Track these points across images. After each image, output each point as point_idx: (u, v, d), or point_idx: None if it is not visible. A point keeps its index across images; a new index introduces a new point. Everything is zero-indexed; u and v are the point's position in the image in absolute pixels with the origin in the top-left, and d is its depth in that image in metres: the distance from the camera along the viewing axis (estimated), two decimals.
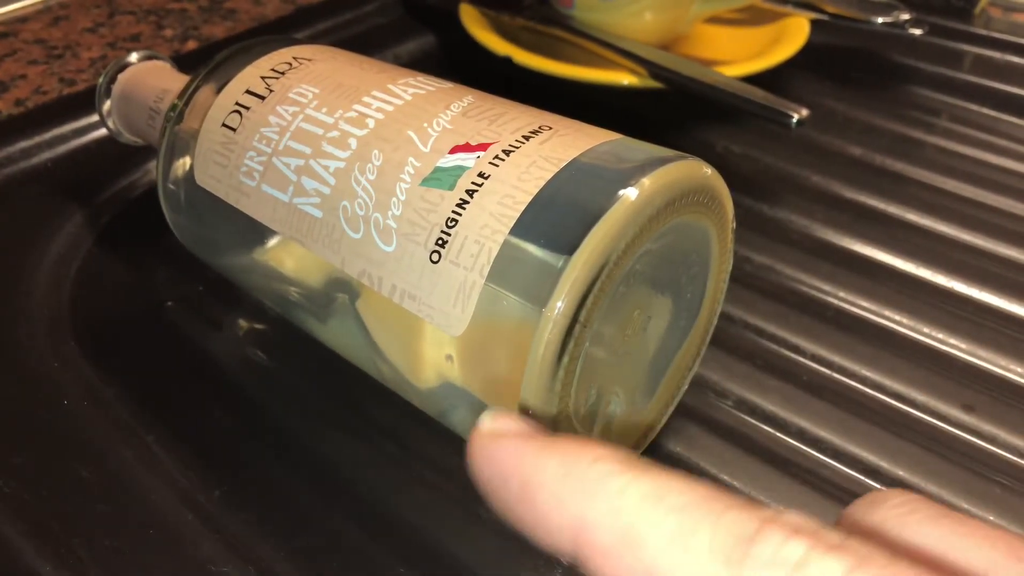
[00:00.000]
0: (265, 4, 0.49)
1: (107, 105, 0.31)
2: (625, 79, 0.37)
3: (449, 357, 0.19)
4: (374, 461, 0.24)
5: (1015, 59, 0.45)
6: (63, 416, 0.25)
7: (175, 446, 0.24)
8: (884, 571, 0.11)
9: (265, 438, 0.24)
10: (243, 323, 0.29)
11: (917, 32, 0.42)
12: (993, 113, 0.42)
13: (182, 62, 0.31)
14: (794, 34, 0.41)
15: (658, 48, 0.39)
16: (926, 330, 0.28)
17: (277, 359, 0.27)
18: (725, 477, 0.23)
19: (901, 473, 0.23)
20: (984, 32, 0.47)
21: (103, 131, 0.32)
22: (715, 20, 0.45)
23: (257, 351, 0.28)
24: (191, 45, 0.45)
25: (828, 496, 0.23)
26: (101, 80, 0.30)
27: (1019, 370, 0.27)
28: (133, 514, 0.22)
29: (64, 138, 0.35)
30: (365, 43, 0.45)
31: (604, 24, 0.40)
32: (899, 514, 0.13)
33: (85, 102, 0.34)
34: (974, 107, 0.42)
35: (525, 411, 0.18)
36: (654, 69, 0.37)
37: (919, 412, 0.25)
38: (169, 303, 0.29)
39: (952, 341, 0.28)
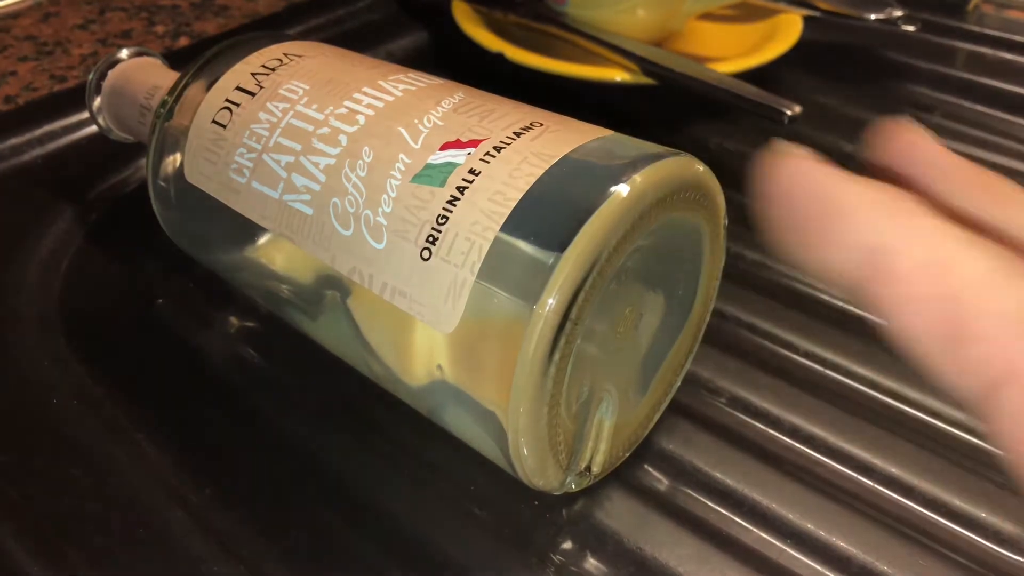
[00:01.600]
0: (257, 0, 0.49)
1: (97, 102, 0.31)
2: (618, 76, 0.37)
3: (440, 367, 0.19)
4: (365, 459, 0.24)
5: (1008, 55, 0.45)
6: (52, 414, 0.24)
7: (165, 444, 0.24)
8: None
9: (256, 436, 0.24)
10: (234, 320, 0.28)
11: (910, 29, 0.42)
12: (986, 109, 0.42)
13: (174, 59, 0.31)
14: (787, 31, 0.41)
15: (651, 45, 0.39)
16: None
17: (268, 357, 0.27)
18: (718, 474, 0.23)
19: (894, 470, 0.23)
20: (977, 29, 0.47)
21: (94, 128, 0.32)
22: (708, 16, 0.45)
23: (248, 348, 0.27)
24: (183, 42, 0.44)
25: (821, 493, 0.23)
26: (91, 77, 0.30)
27: None
28: (123, 512, 0.22)
29: (54, 135, 0.35)
30: (357, 39, 0.44)
31: (597, 20, 0.40)
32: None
33: (76, 99, 0.33)
34: (967, 103, 0.42)
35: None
36: (647, 65, 0.36)
37: (913, 409, 0.25)
38: (160, 300, 0.29)
39: None
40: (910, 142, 0.15)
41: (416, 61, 0.44)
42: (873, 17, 0.43)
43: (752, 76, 0.36)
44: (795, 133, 0.39)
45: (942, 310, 0.11)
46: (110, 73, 0.30)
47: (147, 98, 0.29)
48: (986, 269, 0.11)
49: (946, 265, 0.11)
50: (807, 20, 0.43)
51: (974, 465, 0.24)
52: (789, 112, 0.33)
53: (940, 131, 0.40)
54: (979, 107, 0.42)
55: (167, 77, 0.29)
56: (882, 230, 0.12)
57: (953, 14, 0.48)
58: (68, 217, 0.32)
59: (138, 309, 0.29)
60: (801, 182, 0.13)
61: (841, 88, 0.43)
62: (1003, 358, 0.11)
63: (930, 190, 0.14)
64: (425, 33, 0.47)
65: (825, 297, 0.30)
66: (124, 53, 0.30)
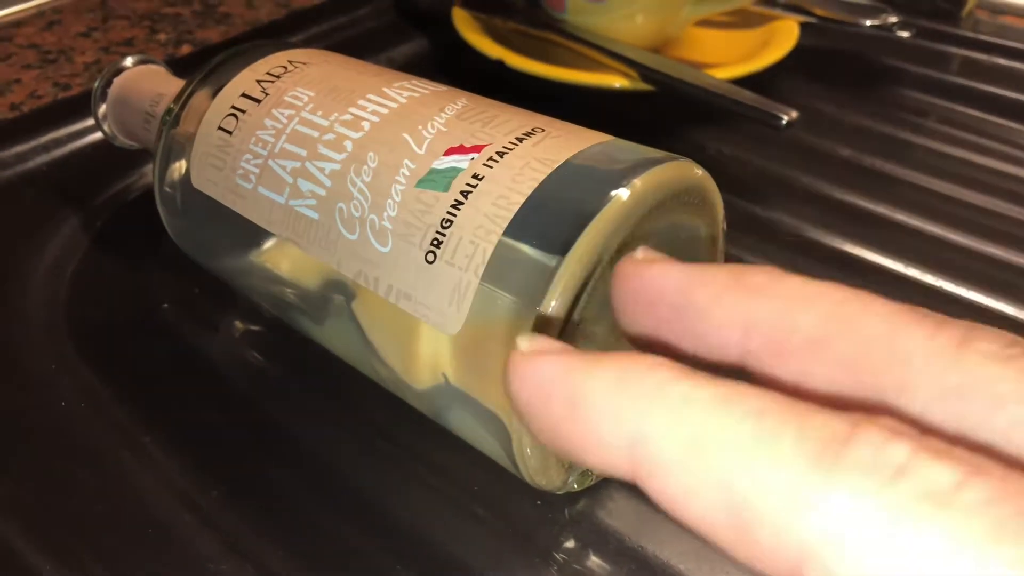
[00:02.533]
0: (259, 8, 0.49)
1: (103, 109, 0.31)
2: (616, 82, 0.38)
3: (444, 375, 0.19)
4: (371, 460, 0.24)
5: (1002, 61, 0.45)
6: (60, 417, 0.25)
7: (172, 446, 0.24)
8: (1003, 484, 0.09)
9: (262, 438, 0.25)
10: (239, 325, 0.29)
11: (905, 35, 0.43)
12: (980, 115, 0.42)
13: (176, 66, 0.31)
14: (784, 37, 0.41)
15: (649, 51, 0.39)
16: None
17: (273, 360, 0.27)
18: None
19: None
20: (971, 35, 0.47)
21: (99, 135, 0.33)
22: (706, 23, 0.45)
23: (253, 352, 0.28)
24: (185, 49, 0.45)
25: None
26: (97, 84, 0.31)
27: None
28: (131, 513, 0.22)
29: (60, 142, 0.35)
30: (359, 46, 0.45)
31: (595, 27, 0.40)
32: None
33: (80, 106, 0.34)
34: (962, 109, 0.43)
35: None
36: (645, 72, 0.37)
37: None
38: (165, 305, 0.29)
39: None
40: (633, 276, 0.14)
41: (417, 68, 0.44)
42: (869, 23, 0.43)
43: (749, 82, 0.36)
44: (792, 138, 0.39)
45: (719, 498, 0.10)
46: (115, 80, 0.30)
47: (152, 105, 0.29)
48: (746, 436, 0.10)
49: (705, 443, 0.10)
50: (803, 26, 0.43)
51: None
52: (786, 117, 0.33)
53: (935, 136, 0.40)
54: (974, 112, 0.42)
55: (171, 84, 0.29)
56: (631, 418, 0.11)
57: (948, 20, 0.48)
58: (74, 223, 0.32)
59: (144, 313, 0.29)
60: (543, 383, 0.12)
61: (837, 94, 0.44)
62: (791, 541, 0.10)
63: (680, 324, 0.13)
64: (426, 40, 0.47)
65: None
66: (129, 61, 0.31)
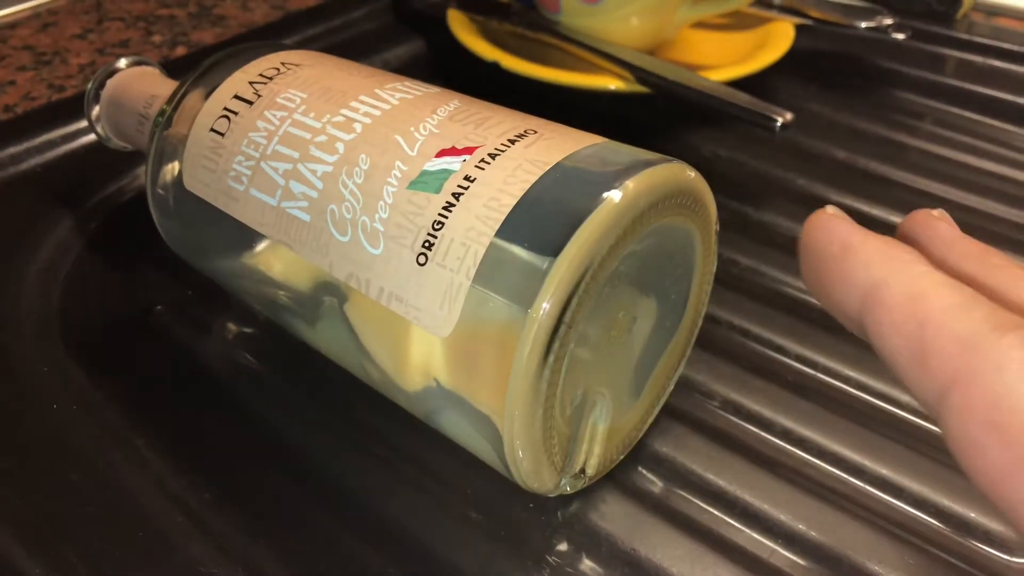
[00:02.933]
0: (254, 10, 0.49)
1: (96, 111, 0.31)
2: (612, 84, 0.38)
3: (435, 378, 0.19)
4: (363, 463, 0.24)
5: (997, 63, 0.46)
6: (52, 420, 0.25)
7: (165, 449, 0.24)
8: None
9: (254, 441, 0.25)
10: (232, 327, 0.29)
11: (900, 37, 0.43)
12: (976, 117, 0.42)
13: (171, 68, 0.31)
14: (779, 39, 0.41)
15: (644, 53, 0.39)
16: None
17: (266, 363, 0.27)
18: (711, 476, 0.23)
19: (885, 472, 0.24)
20: (966, 36, 0.47)
21: (92, 137, 0.33)
22: (701, 25, 0.45)
23: (246, 355, 0.28)
24: (180, 51, 0.45)
25: (813, 495, 0.23)
26: (90, 86, 0.30)
27: None
28: (123, 516, 0.22)
29: (53, 144, 0.35)
30: (354, 48, 0.45)
31: (591, 29, 0.40)
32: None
33: (74, 108, 0.34)
34: (957, 111, 0.43)
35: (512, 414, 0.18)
36: (640, 74, 0.37)
37: (903, 412, 0.26)
38: (158, 307, 0.29)
39: None
40: (923, 220, 0.18)
41: (412, 70, 0.45)
42: (864, 25, 0.43)
43: (744, 84, 0.36)
44: (787, 140, 0.39)
45: (914, 332, 0.14)
46: (109, 82, 0.30)
47: (146, 107, 0.29)
48: (951, 302, 0.14)
49: (921, 297, 0.14)
50: (799, 28, 0.43)
51: None
52: (781, 120, 0.33)
53: (930, 138, 0.40)
54: (969, 114, 0.42)
55: (165, 86, 0.29)
56: (878, 270, 0.15)
57: (943, 22, 0.48)
58: (67, 225, 0.32)
59: (137, 316, 0.29)
60: (833, 232, 0.16)
61: (832, 96, 0.44)
62: (951, 367, 0.13)
63: (934, 255, 0.17)
64: (422, 42, 0.47)
65: (816, 302, 0.30)
66: (123, 62, 0.31)
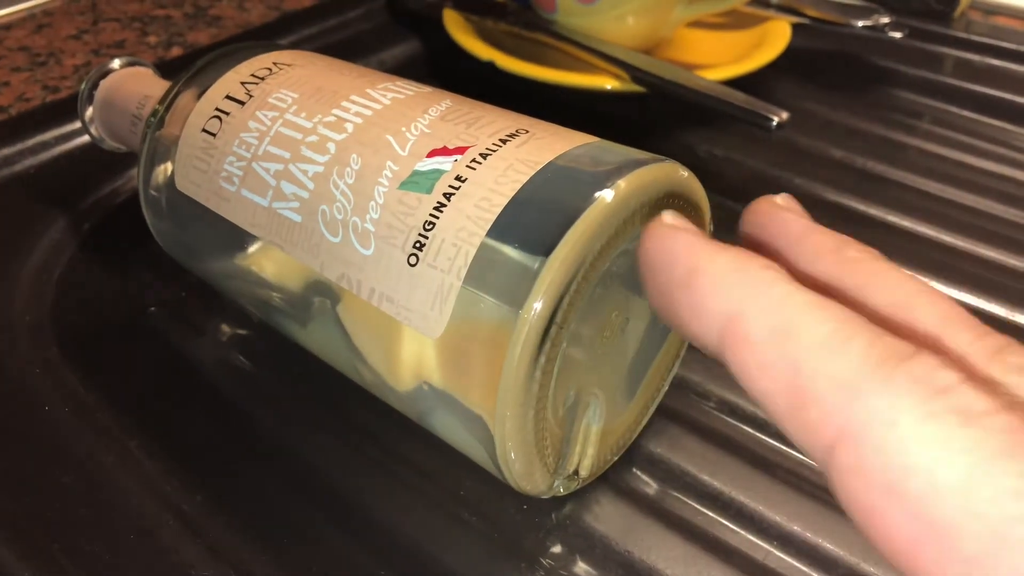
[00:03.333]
0: (250, 10, 0.49)
1: (89, 112, 0.31)
2: (608, 83, 0.38)
3: (427, 379, 0.19)
4: (356, 465, 0.24)
5: (995, 62, 0.45)
6: (45, 422, 0.25)
7: (157, 451, 0.24)
8: None
9: (247, 443, 0.24)
10: (226, 328, 0.29)
11: (897, 35, 0.43)
12: (974, 116, 0.42)
13: (166, 69, 0.31)
14: (775, 38, 0.41)
15: (640, 52, 0.39)
16: None
17: (260, 364, 0.27)
18: (706, 477, 0.23)
19: None
20: (964, 35, 0.47)
21: (86, 138, 0.32)
22: (697, 24, 0.45)
23: (240, 356, 0.28)
24: (175, 52, 0.45)
25: (808, 496, 0.23)
26: (83, 86, 0.30)
27: None
28: (115, 519, 0.22)
29: (47, 145, 0.35)
30: (350, 48, 0.45)
31: (586, 28, 0.40)
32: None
33: (68, 109, 0.34)
34: (955, 110, 0.42)
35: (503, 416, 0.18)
36: (636, 73, 0.37)
37: None
38: (152, 309, 0.29)
39: None
40: (768, 212, 0.16)
41: (408, 70, 0.44)
42: (861, 24, 0.43)
43: (741, 83, 0.36)
44: (784, 140, 0.39)
45: (786, 376, 0.12)
46: (102, 83, 0.30)
47: (139, 107, 0.29)
48: (823, 333, 0.12)
49: (790, 331, 0.12)
50: (795, 27, 0.43)
51: None
52: (777, 119, 0.33)
53: (928, 137, 0.40)
54: (967, 113, 0.42)
55: (159, 86, 0.29)
56: (733, 296, 0.13)
57: (940, 21, 0.48)
58: (61, 226, 0.32)
59: (130, 317, 0.29)
60: (673, 251, 0.14)
61: (829, 95, 0.44)
62: (835, 421, 0.12)
63: (785, 255, 0.15)
64: (417, 42, 0.47)
65: None
66: (116, 63, 0.31)
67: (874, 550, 0.11)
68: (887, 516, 0.11)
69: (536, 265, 0.17)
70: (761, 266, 0.13)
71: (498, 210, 0.18)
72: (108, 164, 0.34)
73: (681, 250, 0.14)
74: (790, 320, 0.12)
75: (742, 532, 0.22)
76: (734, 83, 0.36)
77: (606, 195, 0.18)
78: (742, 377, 0.13)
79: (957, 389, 0.11)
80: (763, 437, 0.25)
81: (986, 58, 0.46)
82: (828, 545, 0.22)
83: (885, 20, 0.43)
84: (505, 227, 0.18)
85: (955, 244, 0.33)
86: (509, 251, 0.18)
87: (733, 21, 0.45)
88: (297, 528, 0.22)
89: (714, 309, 0.13)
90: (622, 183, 0.18)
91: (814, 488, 0.23)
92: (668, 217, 0.15)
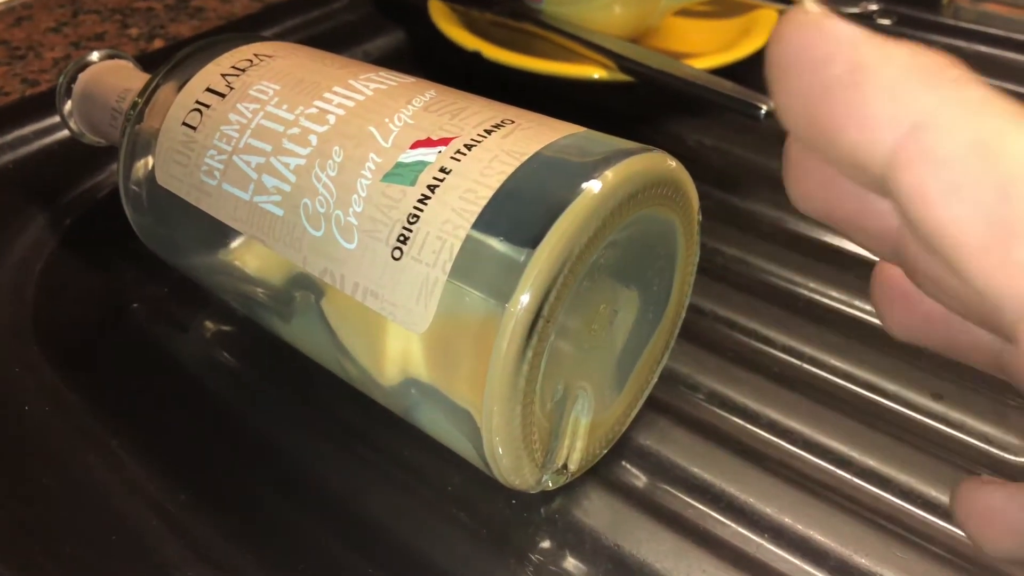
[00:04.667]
0: (233, 2, 0.49)
1: (68, 105, 0.30)
2: (595, 73, 0.37)
3: (413, 373, 0.19)
4: (342, 462, 0.23)
5: (983, 49, 0.45)
6: (24, 421, 0.24)
7: (140, 450, 0.24)
8: None
9: (232, 441, 0.24)
10: (210, 325, 0.28)
11: (885, 22, 0.43)
12: None
13: (148, 61, 0.31)
14: (763, 26, 0.41)
15: (627, 41, 0.39)
16: None
17: (244, 361, 0.27)
18: (696, 470, 0.23)
19: (871, 463, 0.23)
20: (952, 22, 0.47)
21: (66, 132, 0.32)
22: (684, 13, 0.45)
23: (224, 353, 0.27)
24: (157, 44, 0.44)
25: (799, 487, 0.23)
26: (61, 80, 0.30)
27: None
28: (97, 520, 0.22)
29: (26, 139, 0.34)
30: (334, 40, 0.44)
31: (573, 18, 0.40)
32: None
33: (46, 103, 0.33)
34: None
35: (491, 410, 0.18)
36: (624, 62, 0.36)
37: (889, 401, 0.25)
38: (134, 305, 0.29)
39: None
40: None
41: (393, 61, 0.44)
42: (849, 11, 0.43)
43: (729, 72, 0.36)
44: (772, 128, 0.39)
45: (990, 201, 0.09)
46: (80, 76, 0.30)
47: (118, 101, 0.28)
48: None
49: (997, 147, 0.09)
50: (783, 15, 0.43)
51: (949, 455, 0.24)
52: (765, 107, 0.33)
53: None
54: None
55: (138, 79, 0.28)
56: (921, 102, 0.10)
57: (929, 8, 0.48)
58: (41, 222, 0.31)
59: (112, 314, 0.28)
60: (828, 44, 0.11)
61: None
62: None
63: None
64: (402, 32, 0.46)
65: (803, 292, 0.30)
66: (95, 56, 0.30)
67: None
68: None
69: (522, 258, 0.17)
70: (946, 62, 0.10)
71: (483, 202, 0.18)
72: (88, 158, 0.34)
73: (843, 43, 0.11)
74: (997, 132, 0.10)
75: (732, 524, 0.22)
76: (722, 72, 0.36)
77: (593, 186, 0.18)
78: (919, 203, 0.10)
79: None
80: (753, 428, 0.24)
81: (974, 45, 0.45)
82: (819, 537, 0.21)
83: (874, 7, 0.42)
84: (491, 219, 0.18)
85: None
86: (495, 244, 0.18)
87: (720, 9, 0.45)
88: (282, 526, 0.22)
89: (891, 116, 0.10)
90: (609, 174, 0.18)
91: (805, 479, 0.23)
92: (812, 4, 0.12)
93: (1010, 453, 0.24)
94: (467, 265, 0.18)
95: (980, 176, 0.09)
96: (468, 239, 0.18)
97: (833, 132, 0.11)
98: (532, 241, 0.17)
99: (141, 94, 0.25)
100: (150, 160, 0.24)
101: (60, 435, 0.24)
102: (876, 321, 0.28)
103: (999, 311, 0.10)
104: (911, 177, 0.10)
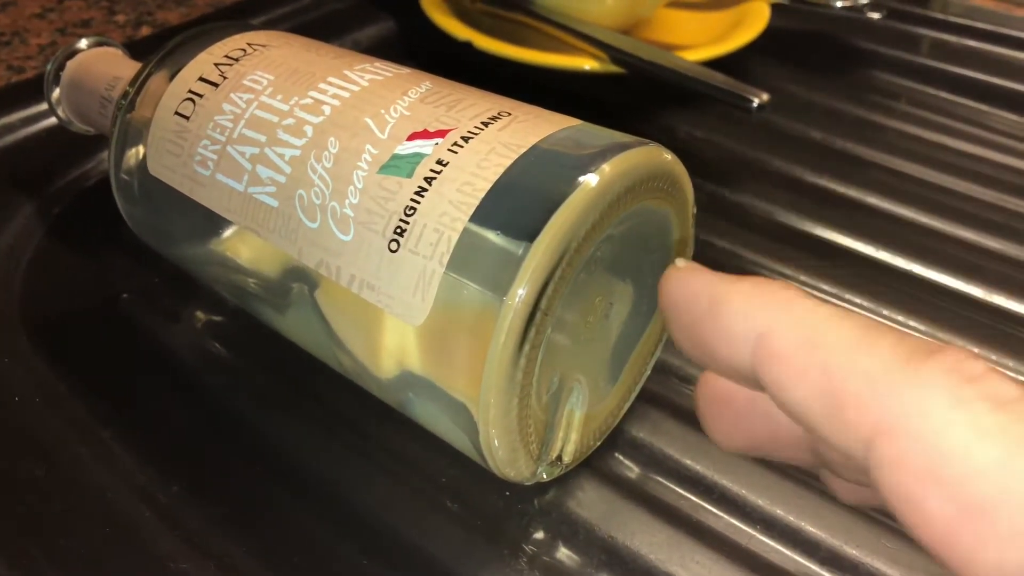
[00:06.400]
0: None
1: (56, 93, 0.30)
2: (586, 64, 0.37)
3: (409, 366, 0.19)
4: (336, 453, 0.23)
5: (972, 43, 0.45)
6: (14, 412, 0.24)
7: (132, 441, 0.23)
8: None
9: (224, 431, 0.24)
10: (201, 315, 0.28)
11: (876, 16, 0.43)
12: (950, 96, 0.42)
13: (135, 49, 0.30)
14: (754, 18, 0.41)
15: (619, 33, 0.38)
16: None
17: (236, 351, 0.27)
18: (688, 462, 0.23)
19: None
20: (941, 16, 0.47)
21: (53, 120, 0.32)
22: (676, 4, 0.45)
23: (215, 343, 0.27)
24: (144, 31, 0.44)
25: (790, 479, 0.23)
26: (49, 67, 0.29)
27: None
28: (89, 512, 0.21)
29: (12, 127, 0.34)
30: (324, 28, 0.44)
31: (565, 8, 0.40)
32: None
33: (34, 90, 0.33)
34: (932, 91, 0.42)
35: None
36: (615, 54, 0.36)
37: None
38: (125, 295, 0.29)
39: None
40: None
41: (384, 50, 0.44)
42: (839, 4, 0.43)
43: (720, 64, 0.36)
44: (763, 121, 0.39)
45: (819, 380, 0.13)
46: (69, 64, 0.29)
47: (108, 89, 0.28)
48: (852, 338, 0.13)
49: (817, 340, 0.13)
50: (774, 8, 0.43)
51: None
52: (757, 100, 0.33)
53: (906, 118, 0.40)
54: (944, 94, 0.42)
55: (128, 68, 0.28)
56: (759, 317, 0.14)
57: (918, 2, 0.48)
58: (29, 211, 0.31)
59: (102, 304, 0.28)
60: (694, 288, 0.15)
61: (808, 75, 0.43)
62: (871, 416, 0.12)
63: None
64: (393, 22, 0.46)
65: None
66: (83, 43, 0.30)
67: (915, 540, 0.12)
68: (927, 502, 0.11)
69: (520, 251, 0.17)
70: (780, 287, 0.14)
71: (481, 195, 0.18)
72: (77, 147, 0.33)
73: (701, 286, 0.15)
74: (816, 329, 0.13)
75: (725, 516, 0.22)
76: (714, 64, 0.36)
77: (591, 180, 0.18)
78: (777, 390, 0.13)
79: (986, 377, 0.12)
80: None
81: (963, 39, 0.46)
82: (810, 528, 0.22)
83: (864, 1, 0.42)
84: (488, 212, 0.18)
85: (932, 225, 0.33)
86: (492, 237, 0.18)
87: (712, 1, 0.45)
88: (276, 518, 0.22)
89: (743, 332, 0.14)
90: (606, 167, 0.18)
91: (796, 471, 0.23)
92: (681, 262, 0.16)
93: None
94: (464, 258, 0.18)
95: (808, 363, 0.13)
96: (465, 232, 0.18)
97: (710, 350, 0.15)
98: (530, 234, 0.17)
99: (133, 83, 0.25)
100: (142, 149, 0.24)
101: (51, 426, 0.24)
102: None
103: (853, 460, 0.12)
104: (766, 373, 0.13)
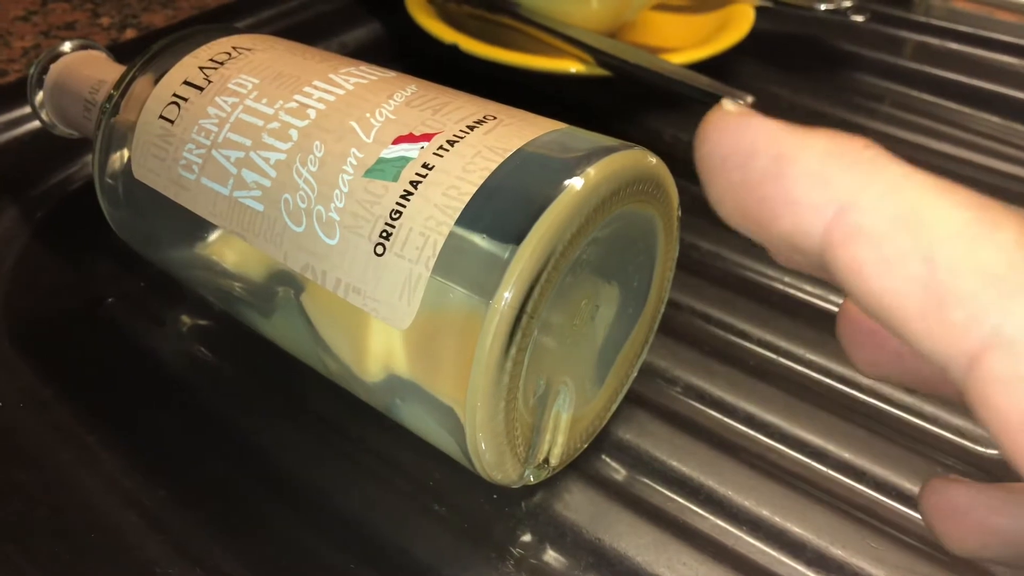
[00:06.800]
0: None
1: (40, 96, 0.30)
2: (572, 67, 0.37)
3: (395, 370, 0.19)
4: (322, 457, 0.23)
5: (954, 45, 0.46)
6: None
7: (117, 446, 0.23)
8: None
9: (210, 436, 0.24)
10: (186, 319, 0.28)
11: (859, 19, 0.43)
12: (933, 99, 0.42)
13: (120, 52, 0.30)
14: (739, 21, 0.41)
15: (605, 36, 0.39)
16: None
17: (221, 355, 0.27)
18: (675, 463, 0.23)
19: (847, 456, 0.24)
20: (924, 19, 0.47)
21: (37, 123, 0.31)
22: (661, 7, 0.45)
23: (201, 348, 0.27)
24: (129, 34, 0.44)
25: (776, 480, 0.23)
26: (32, 70, 0.29)
27: None
28: (74, 518, 0.21)
29: None
30: (310, 31, 0.44)
31: (551, 11, 0.40)
32: None
33: (17, 93, 0.32)
34: (915, 93, 0.43)
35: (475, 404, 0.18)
36: (601, 57, 0.36)
37: (864, 395, 0.26)
38: (109, 300, 0.28)
39: None
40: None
41: (370, 53, 0.44)
42: (823, 7, 0.43)
43: (705, 67, 0.36)
44: None
45: (919, 269, 0.10)
46: (52, 67, 0.29)
47: (92, 93, 0.28)
48: (963, 220, 0.10)
49: (918, 218, 0.10)
50: (759, 11, 0.43)
51: (924, 449, 0.24)
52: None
53: (889, 120, 0.41)
54: (926, 96, 0.43)
55: (113, 71, 0.28)
56: (842, 185, 0.11)
57: (901, 4, 0.49)
58: (13, 215, 0.31)
59: (87, 308, 0.28)
60: (749, 139, 0.12)
61: (792, 78, 0.44)
62: (987, 321, 0.10)
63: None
64: (379, 25, 0.46)
65: (778, 286, 0.30)
66: (67, 46, 0.30)
67: (1018, 471, 0.10)
68: None
69: (506, 254, 0.17)
70: (863, 144, 0.11)
71: (466, 198, 0.18)
72: (61, 150, 0.33)
73: (763, 136, 0.12)
74: (915, 205, 0.10)
75: (711, 517, 0.22)
76: (698, 66, 0.36)
77: (576, 183, 0.18)
78: (856, 278, 0.11)
79: None
80: (730, 422, 0.25)
81: (945, 42, 0.46)
82: (796, 529, 0.22)
83: (847, 3, 0.43)
84: (474, 216, 0.18)
85: None
86: (478, 240, 0.18)
87: (697, 4, 0.45)
88: (263, 522, 0.22)
89: (816, 201, 0.11)
90: (592, 171, 0.18)
91: (782, 472, 0.23)
92: (730, 104, 0.12)
93: (982, 446, 0.24)
94: (450, 261, 0.18)
95: (906, 247, 0.10)
96: (451, 235, 0.18)
97: (767, 222, 0.12)
98: (516, 238, 0.17)
99: (117, 86, 0.25)
100: (126, 153, 0.24)
101: (35, 432, 0.23)
102: None
103: (945, 370, 0.10)
104: (844, 255, 0.11)
